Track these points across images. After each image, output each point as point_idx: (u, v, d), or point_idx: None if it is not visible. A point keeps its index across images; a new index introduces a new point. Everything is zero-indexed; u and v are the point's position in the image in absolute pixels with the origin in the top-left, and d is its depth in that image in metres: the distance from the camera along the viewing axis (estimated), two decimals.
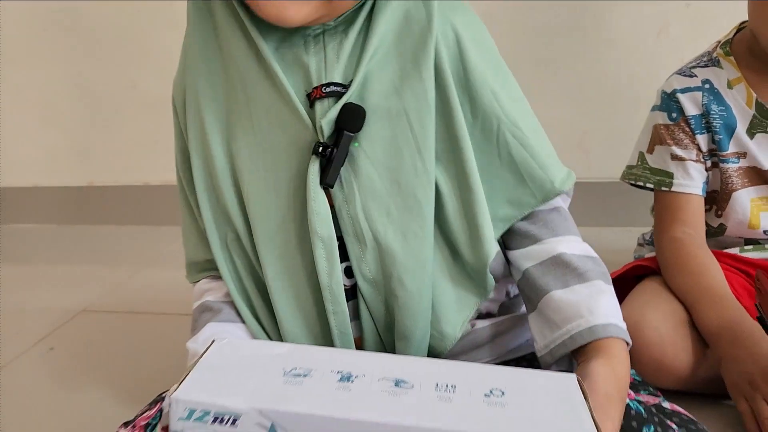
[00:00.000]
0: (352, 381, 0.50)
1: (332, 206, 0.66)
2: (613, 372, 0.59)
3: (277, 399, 0.47)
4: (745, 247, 0.98)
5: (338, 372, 0.51)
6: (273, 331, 0.71)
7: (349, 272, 0.68)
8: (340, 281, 0.66)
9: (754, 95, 0.92)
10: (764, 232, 0.96)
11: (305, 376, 0.51)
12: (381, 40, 0.65)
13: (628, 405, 0.62)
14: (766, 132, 0.92)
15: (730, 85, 0.93)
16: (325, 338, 0.68)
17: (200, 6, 0.68)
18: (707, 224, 0.99)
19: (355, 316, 0.69)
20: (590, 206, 1.45)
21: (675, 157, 0.95)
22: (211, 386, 0.49)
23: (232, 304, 0.71)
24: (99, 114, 1.78)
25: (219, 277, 0.72)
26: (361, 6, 0.65)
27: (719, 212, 0.97)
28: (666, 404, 0.68)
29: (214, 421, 0.46)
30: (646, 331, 0.83)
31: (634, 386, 0.71)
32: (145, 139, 1.77)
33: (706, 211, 0.99)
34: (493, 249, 0.67)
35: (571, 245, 0.69)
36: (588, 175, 1.53)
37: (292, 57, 0.66)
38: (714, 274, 0.88)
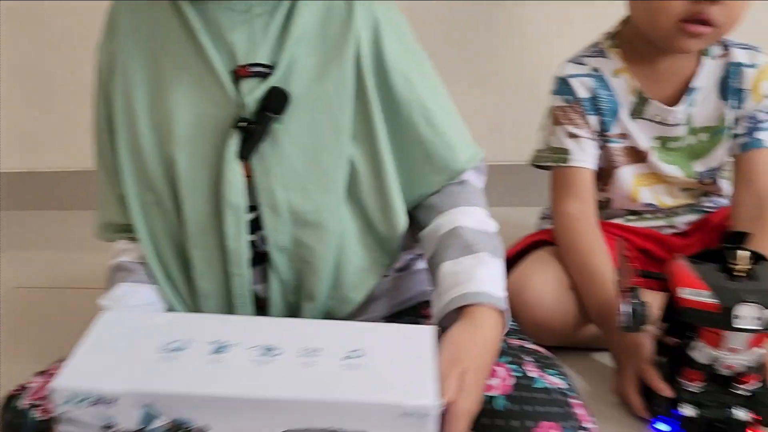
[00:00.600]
0: (225, 352, 0.55)
1: (251, 178, 0.70)
2: (471, 336, 0.62)
3: (149, 379, 0.52)
4: (629, 218, 1.08)
5: (213, 342, 0.56)
6: (186, 293, 0.75)
7: (262, 240, 0.73)
8: (245, 247, 0.71)
9: (635, 84, 1.00)
10: (644, 204, 1.05)
11: (180, 350, 0.55)
12: (304, 25, 0.69)
13: None
14: (644, 117, 1.01)
15: (615, 74, 1.02)
16: (233, 298, 0.73)
17: None
18: (598, 200, 1.06)
19: (264, 279, 0.74)
20: (504, 187, 1.55)
21: (570, 135, 1.02)
22: (90, 370, 0.53)
23: (145, 265, 0.75)
24: (39, 99, 1.75)
25: (135, 239, 0.75)
26: None
27: (605, 186, 1.06)
28: (529, 345, 0.76)
29: (95, 403, 0.51)
30: (528, 292, 0.93)
31: (509, 333, 0.76)
32: (85, 124, 1.74)
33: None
34: (403, 221, 0.73)
35: (469, 218, 0.73)
36: (502, 158, 1.57)
37: (219, 33, 0.70)
38: (599, 255, 0.95)
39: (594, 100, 1.02)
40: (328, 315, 0.76)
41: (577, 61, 1.04)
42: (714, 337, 0.67)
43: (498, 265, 0.70)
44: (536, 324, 0.92)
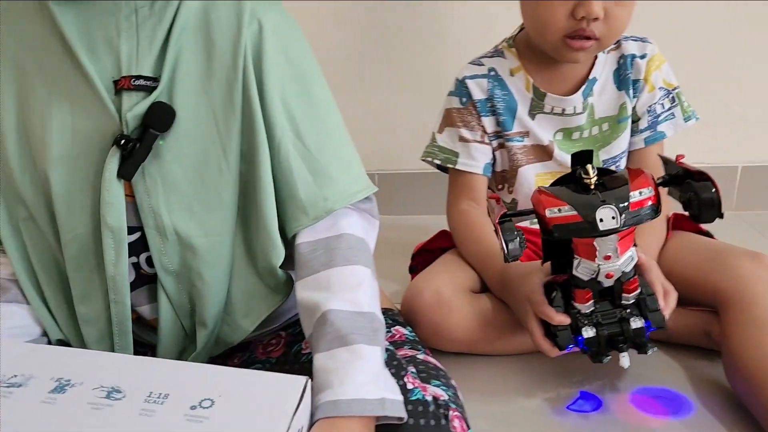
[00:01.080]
0: (66, 391, 0.51)
1: (134, 198, 0.65)
2: None
3: None
4: (535, 220, 1.07)
5: (57, 379, 0.52)
6: (61, 314, 0.70)
7: (150, 261, 0.68)
8: (125, 273, 0.66)
9: (531, 81, 1.01)
10: None
11: (20, 386, 0.52)
12: (186, 31, 0.64)
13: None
14: (543, 112, 1.02)
15: (512, 73, 1.03)
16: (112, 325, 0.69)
17: None
18: (503, 201, 1.07)
19: (154, 299, 0.70)
20: (429, 194, 1.55)
21: (462, 139, 1.04)
22: None
23: (17, 283, 0.69)
24: None
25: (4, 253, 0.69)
26: None
27: (510, 189, 1.07)
28: (421, 356, 0.73)
29: None
30: (426, 294, 0.92)
31: (402, 344, 0.76)
32: None
33: (500, 189, 1.08)
34: (278, 254, 0.67)
35: (342, 296, 0.65)
36: (428, 165, 1.59)
37: (103, 38, 0.64)
38: (490, 236, 0.96)
39: (489, 100, 1.03)
40: (221, 341, 0.72)
41: (475, 62, 1.06)
42: (588, 249, 0.74)
43: (375, 355, 0.63)
44: (435, 327, 0.92)
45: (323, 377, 0.61)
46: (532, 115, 1.03)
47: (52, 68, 0.64)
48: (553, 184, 0.77)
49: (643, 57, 1.02)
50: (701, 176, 0.73)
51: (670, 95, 1.04)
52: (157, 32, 0.64)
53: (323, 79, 0.72)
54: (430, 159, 1.08)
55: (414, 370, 0.69)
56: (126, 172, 0.63)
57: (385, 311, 0.89)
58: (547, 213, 0.71)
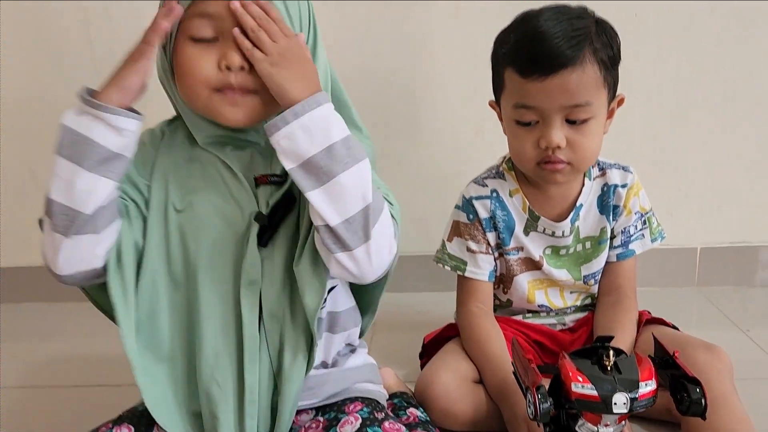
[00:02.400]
0: None
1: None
2: None
3: None
4: (527, 315, 1.23)
5: None
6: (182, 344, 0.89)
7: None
8: (257, 316, 0.86)
9: (527, 203, 1.14)
10: (539, 305, 1.21)
11: None
12: None
13: None
14: (536, 231, 1.15)
15: (511, 194, 1.15)
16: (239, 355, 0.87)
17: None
18: (499, 299, 1.22)
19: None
20: (429, 275, 1.64)
21: (469, 250, 1.16)
22: None
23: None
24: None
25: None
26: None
27: (506, 290, 1.21)
28: None
29: None
30: (435, 386, 1.06)
31: (417, 424, 0.93)
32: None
33: (497, 288, 1.22)
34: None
35: None
36: (428, 249, 1.62)
37: (249, 152, 0.90)
38: (495, 342, 1.10)
39: (492, 218, 1.15)
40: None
41: (479, 182, 1.17)
42: (595, 417, 0.84)
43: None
44: (444, 412, 1.05)
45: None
46: (526, 232, 1.15)
47: (211, 174, 0.90)
48: (575, 353, 0.87)
49: (624, 186, 1.14)
50: (694, 380, 0.81)
51: (643, 218, 1.17)
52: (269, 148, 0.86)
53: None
54: (441, 264, 1.20)
55: None
56: (263, 241, 0.86)
57: (401, 394, 1.10)
58: (573, 387, 0.80)
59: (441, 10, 1.64)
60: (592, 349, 0.86)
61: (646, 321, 1.16)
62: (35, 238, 1.71)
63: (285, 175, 0.86)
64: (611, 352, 0.83)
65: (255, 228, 0.86)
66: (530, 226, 1.15)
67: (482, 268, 1.17)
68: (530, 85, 1.00)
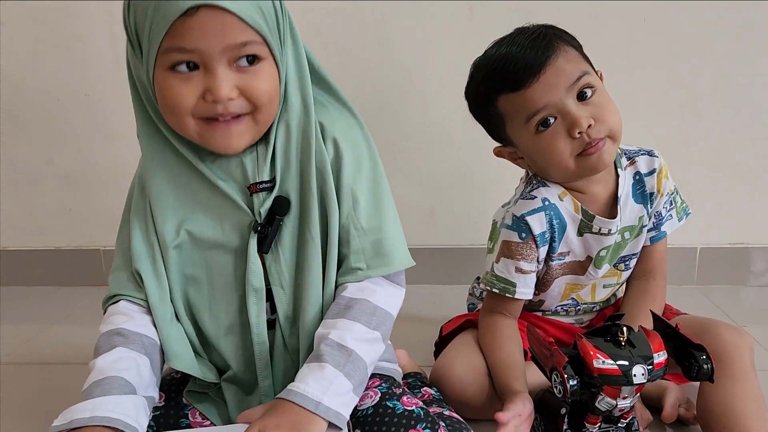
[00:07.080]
0: None
1: (264, 265, 0.89)
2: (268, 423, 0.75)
3: None
4: (547, 312, 1.22)
5: None
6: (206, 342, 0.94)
7: (271, 308, 0.91)
8: (264, 321, 0.90)
9: (579, 204, 1.09)
10: (567, 304, 1.20)
11: None
12: (283, 150, 0.88)
13: (411, 411, 0.85)
14: (591, 232, 1.10)
15: (560, 198, 1.09)
16: (250, 355, 0.92)
17: (154, 142, 0.88)
18: (530, 301, 1.17)
19: (271, 339, 0.93)
20: (436, 268, 1.76)
21: (518, 270, 1.09)
22: None
23: (143, 336, 0.87)
24: (16, 186, 1.88)
25: (136, 303, 0.90)
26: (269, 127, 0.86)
27: (539, 292, 1.17)
28: (447, 413, 0.95)
29: None
30: (452, 379, 1.09)
31: (432, 402, 0.97)
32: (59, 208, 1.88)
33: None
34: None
35: (338, 332, 0.83)
36: (435, 242, 1.79)
37: (235, 163, 0.87)
38: (509, 348, 1.09)
39: (550, 230, 1.09)
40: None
41: (526, 197, 1.10)
42: (614, 391, 0.89)
43: (336, 375, 0.80)
44: (459, 401, 1.08)
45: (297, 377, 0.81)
46: (580, 233, 1.10)
47: (203, 194, 0.89)
48: (588, 334, 0.91)
49: (652, 172, 1.11)
50: (700, 348, 0.86)
51: (670, 198, 1.14)
52: (267, 153, 0.87)
53: (384, 176, 0.93)
54: (489, 287, 1.13)
55: (444, 424, 0.90)
56: (265, 248, 0.88)
57: (415, 374, 1.16)
58: (594, 363, 0.85)
59: (455, 9, 1.68)
60: (604, 328, 0.91)
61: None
62: (50, 225, 1.78)
63: (273, 180, 0.88)
64: (624, 329, 0.88)
65: (254, 237, 0.88)
66: (585, 227, 1.10)
67: (530, 287, 1.12)
68: (531, 90, 1.00)
